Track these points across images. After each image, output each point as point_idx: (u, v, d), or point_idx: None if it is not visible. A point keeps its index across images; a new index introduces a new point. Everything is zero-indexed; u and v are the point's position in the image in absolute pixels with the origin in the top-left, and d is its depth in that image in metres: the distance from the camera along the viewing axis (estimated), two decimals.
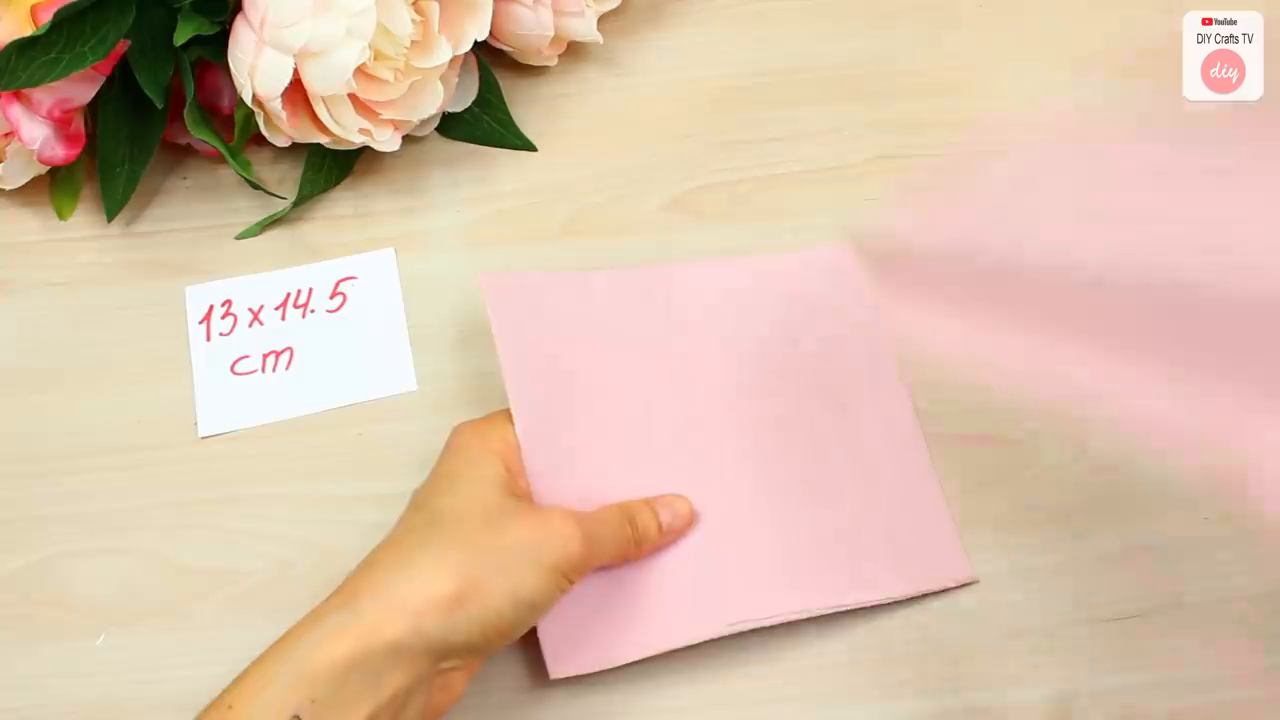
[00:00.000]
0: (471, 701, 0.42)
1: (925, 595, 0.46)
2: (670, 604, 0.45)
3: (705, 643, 0.45)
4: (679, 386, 0.48)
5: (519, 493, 0.43)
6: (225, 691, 0.37)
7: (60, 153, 0.49)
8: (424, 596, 0.38)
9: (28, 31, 0.45)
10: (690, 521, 0.45)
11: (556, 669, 0.43)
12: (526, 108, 0.56)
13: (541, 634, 0.43)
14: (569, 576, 0.40)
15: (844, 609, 0.46)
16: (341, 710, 0.36)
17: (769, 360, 0.50)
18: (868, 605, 0.46)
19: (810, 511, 0.47)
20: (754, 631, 0.46)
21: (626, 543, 0.43)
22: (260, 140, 0.51)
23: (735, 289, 0.51)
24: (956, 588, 0.47)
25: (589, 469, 0.46)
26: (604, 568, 0.44)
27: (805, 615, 0.45)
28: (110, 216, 0.51)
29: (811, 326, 0.51)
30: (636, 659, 0.44)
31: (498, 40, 0.54)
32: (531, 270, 0.51)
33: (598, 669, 0.43)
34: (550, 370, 0.47)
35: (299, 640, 0.38)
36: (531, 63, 0.56)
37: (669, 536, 0.45)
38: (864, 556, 0.47)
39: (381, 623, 0.37)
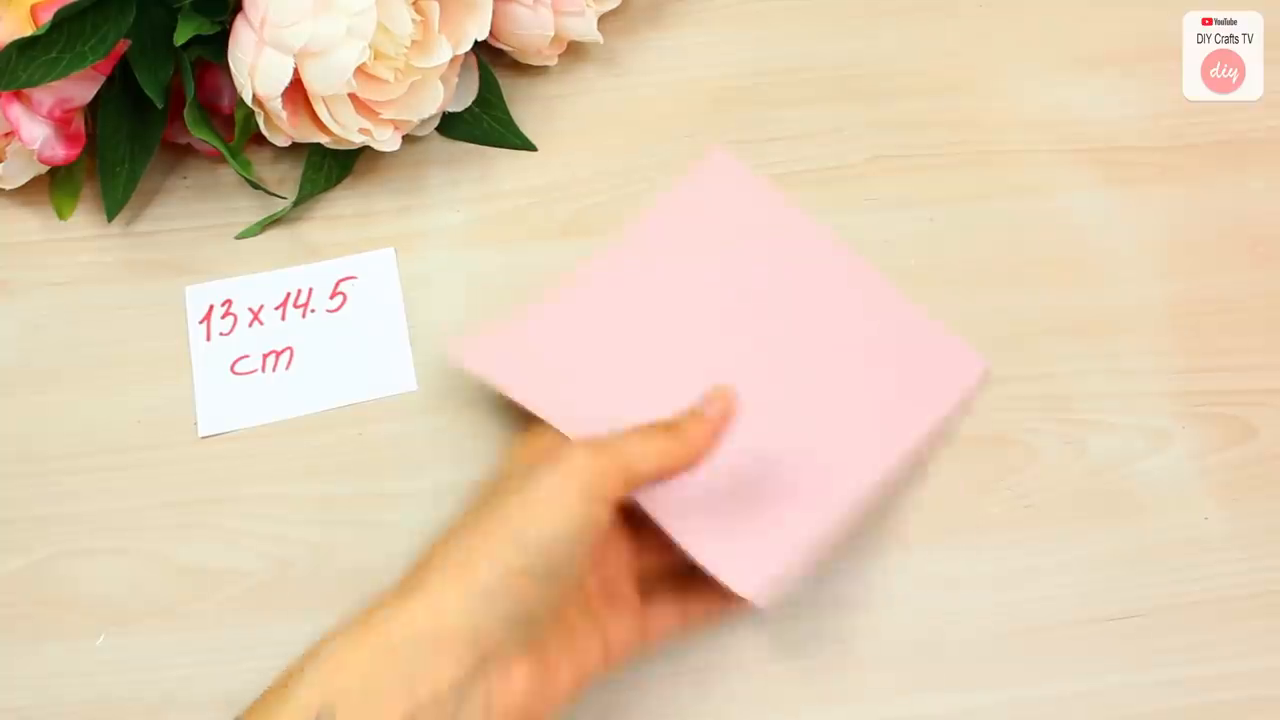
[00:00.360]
0: None
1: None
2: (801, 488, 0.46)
3: (699, 646, 0.45)
4: (679, 328, 0.50)
5: None
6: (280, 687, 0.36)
7: (60, 153, 0.49)
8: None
9: (28, 31, 0.45)
10: (731, 400, 0.43)
11: (750, 588, 0.42)
12: (526, 107, 0.56)
13: (717, 570, 0.42)
14: (601, 498, 0.38)
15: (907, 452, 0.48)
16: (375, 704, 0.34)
17: (730, 279, 0.51)
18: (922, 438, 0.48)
19: (827, 395, 0.49)
20: (748, 629, 0.46)
21: (667, 447, 0.41)
22: (260, 140, 0.51)
23: (678, 230, 0.52)
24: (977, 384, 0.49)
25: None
26: (666, 478, 0.42)
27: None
28: (110, 216, 0.51)
29: (741, 233, 0.52)
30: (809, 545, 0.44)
31: (498, 40, 0.54)
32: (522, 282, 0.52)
33: (791, 566, 0.44)
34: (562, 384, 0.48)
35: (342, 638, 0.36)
36: (531, 63, 0.56)
37: (721, 421, 0.42)
38: (892, 407, 0.48)
39: (414, 614, 0.36)
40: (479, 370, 0.47)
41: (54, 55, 0.45)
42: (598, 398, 0.46)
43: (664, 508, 0.44)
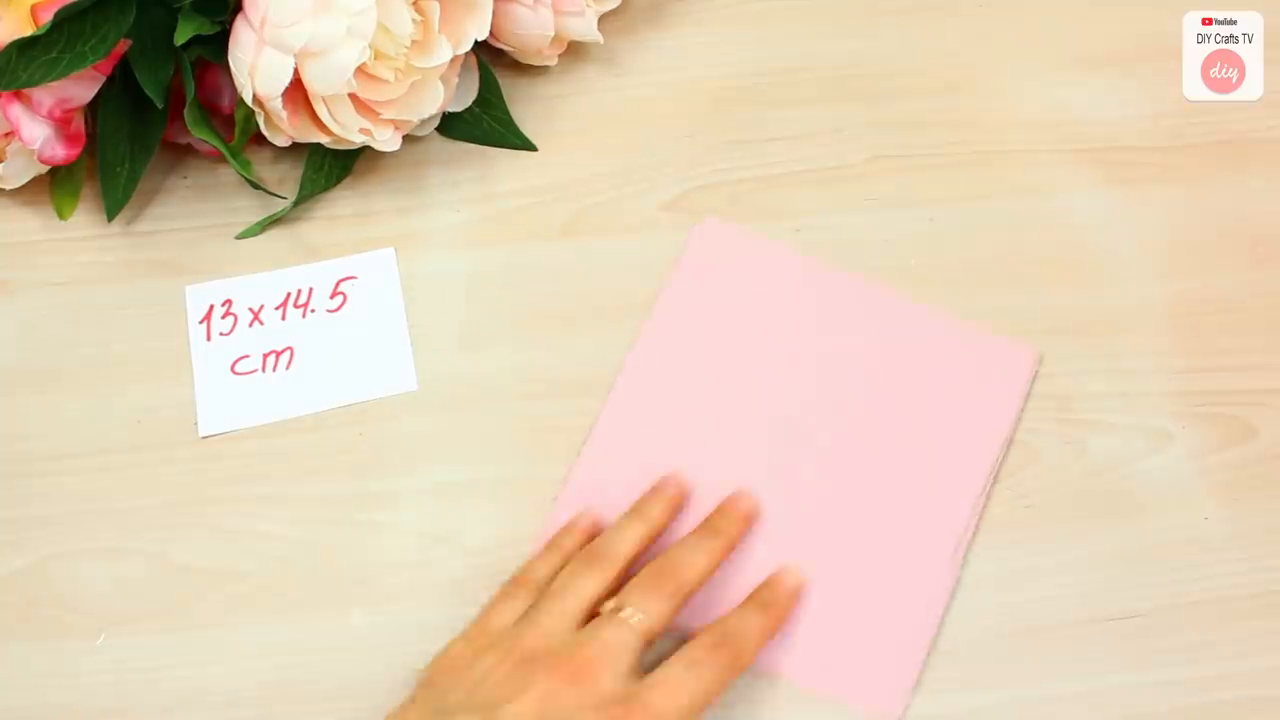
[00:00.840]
0: None
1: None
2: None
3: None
4: (787, 398, 0.49)
5: None
6: None
7: (60, 153, 0.49)
8: None
9: (28, 31, 0.45)
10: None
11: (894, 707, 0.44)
12: (526, 108, 0.56)
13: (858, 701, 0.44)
14: None
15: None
16: None
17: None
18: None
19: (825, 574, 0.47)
20: None
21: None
22: (260, 140, 0.51)
23: (899, 335, 0.51)
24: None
25: (667, 437, 0.48)
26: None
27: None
28: (111, 216, 0.51)
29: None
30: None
31: (498, 40, 0.54)
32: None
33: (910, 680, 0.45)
34: (693, 338, 0.50)
35: None
36: (531, 63, 0.56)
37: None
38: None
39: None
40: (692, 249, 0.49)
41: (54, 55, 0.45)
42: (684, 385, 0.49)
43: (774, 659, 0.45)
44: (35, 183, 0.52)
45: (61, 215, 0.53)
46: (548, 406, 0.50)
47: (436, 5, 0.48)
